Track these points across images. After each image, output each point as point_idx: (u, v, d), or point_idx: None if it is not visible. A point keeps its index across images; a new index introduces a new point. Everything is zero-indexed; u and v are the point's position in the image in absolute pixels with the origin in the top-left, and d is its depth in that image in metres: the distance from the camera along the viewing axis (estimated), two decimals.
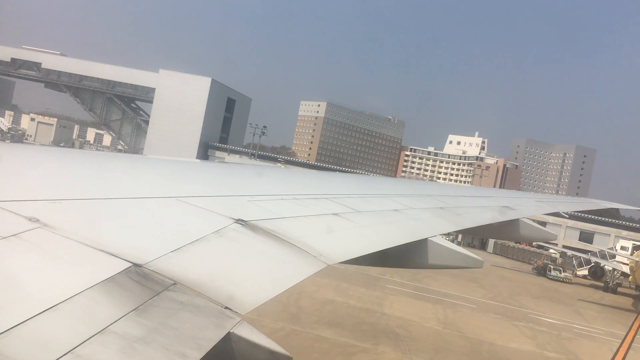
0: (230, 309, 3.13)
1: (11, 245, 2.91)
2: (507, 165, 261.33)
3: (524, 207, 13.09)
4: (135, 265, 3.14)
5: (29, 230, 3.10)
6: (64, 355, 2.25)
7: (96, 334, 2.45)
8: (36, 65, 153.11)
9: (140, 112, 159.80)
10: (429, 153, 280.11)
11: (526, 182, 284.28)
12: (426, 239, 6.80)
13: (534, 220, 11.93)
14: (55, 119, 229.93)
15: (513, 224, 11.04)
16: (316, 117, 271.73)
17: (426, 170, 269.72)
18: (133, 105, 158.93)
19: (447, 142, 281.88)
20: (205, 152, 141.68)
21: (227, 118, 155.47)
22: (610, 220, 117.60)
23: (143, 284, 3.00)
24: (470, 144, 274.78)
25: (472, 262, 7.65)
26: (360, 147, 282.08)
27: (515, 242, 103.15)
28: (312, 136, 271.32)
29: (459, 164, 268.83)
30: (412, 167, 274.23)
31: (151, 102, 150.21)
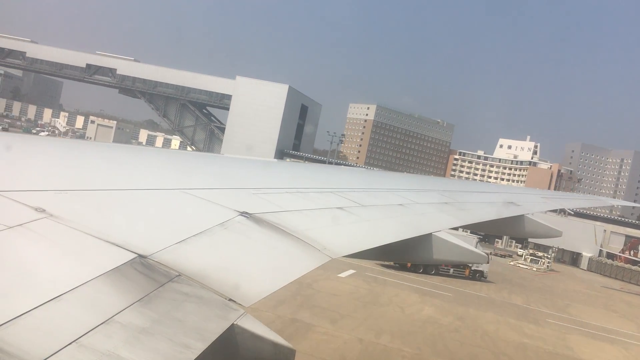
0: (235, 301, 3.14)
1: (17, 235, 2.92)
2: (562, 171, 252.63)
3: (529, 203, 13.06)
4: (140, 256, 3.15)
5: (35, 220, 3.11)
6: (69, 344, 2.26)
7: (101, 324, 2.47)
8: (111, 71, 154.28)
9: (212, 118, 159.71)
10: (478, 157, 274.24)
11: (581, 188, 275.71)
12: (430, 233, 6.81)
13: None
14: (115, 122, 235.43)
15: (519, 220, 11.03)
16: (365, 120, 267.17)
17: (475, 174, 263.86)
18: (204, 111, 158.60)
19: (498, 146, 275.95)
20: (280, 159, 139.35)
21: (300, 125, 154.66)
22: None
23: (148, 275, 3.01)
24: (522, 148, 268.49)
25: (476, 257, 7.66)
26: (408, 150, 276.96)
27: (609, 259, 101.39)
28: (361, 139, 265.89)
29: (510, 169, 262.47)
30: (461, 171, 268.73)
31: (225, 108, 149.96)
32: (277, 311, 27.68)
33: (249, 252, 4.15)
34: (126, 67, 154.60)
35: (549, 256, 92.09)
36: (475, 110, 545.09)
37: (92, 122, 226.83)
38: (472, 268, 55.29)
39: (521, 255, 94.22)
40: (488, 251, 63.54)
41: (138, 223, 3.86)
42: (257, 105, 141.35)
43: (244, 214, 4.57)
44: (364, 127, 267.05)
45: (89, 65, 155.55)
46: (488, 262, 57.35)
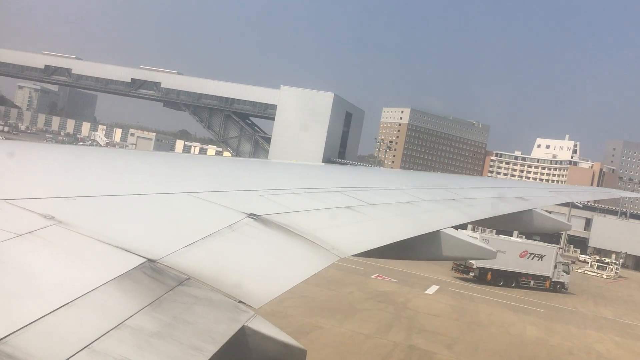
0: (244, 303, 3.15)
1: (27, 242, 2.94)
2: (604, 170, 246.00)
3: (537, 197, 13.01)
4: (150, 260, 3.17)
5: (44, 228, 3.13)
6: (81, 350, 2.27)
7: (112, 329, 2.48)
8: (155, 85, 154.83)
9: (256, 128, 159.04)
10: (515, 158, 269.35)
11: (624, 186, 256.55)
12: (439, 230, 6.79)
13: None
14: (154, 134, 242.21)
15: (527, 214, 10.99)
16: (399, 124, 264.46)
17: (513, 175, 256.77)
18: (248, 121, 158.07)
19: (535, 146, 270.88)
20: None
21: (344, 132, 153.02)
22: None
23: (157, 279, 3.03)
24: (561, 148, 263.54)
25: (484, 253, 7.64)
26: (444, 152, 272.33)
27: None
28: (396, 143, 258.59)
29: (549, 169, 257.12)
30: (498, 173, 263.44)
31: (269, 118, 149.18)
32: (390, 336, 27.66)
33: (258, 253, 4.16)
34: (170, 80, 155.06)
35: (617, 262, 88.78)
36: (511, 111, 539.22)
37: (132, 134, 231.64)
38: (553, 280, 54.13)
39: (584, 261, 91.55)
40: (567, 261, 61.27)
41: (146, 227, 3.88)
42: (303, 114, 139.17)
43: (251, 215, 4.58)
44: (399, 130, 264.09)
45: (133, 80, 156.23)
46: (569, 273, 55.85)
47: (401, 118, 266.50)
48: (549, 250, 55.31)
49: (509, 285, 51.58)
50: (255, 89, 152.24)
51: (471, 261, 47.84)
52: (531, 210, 11.11)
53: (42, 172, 4.70)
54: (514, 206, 10.81)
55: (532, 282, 53.17)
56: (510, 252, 51.30)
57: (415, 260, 7.58)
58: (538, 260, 53.45)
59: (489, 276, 50.83)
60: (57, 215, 3.32)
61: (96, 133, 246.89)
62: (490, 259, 7.74)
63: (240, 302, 3.14)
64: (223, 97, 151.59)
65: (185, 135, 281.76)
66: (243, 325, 2.91)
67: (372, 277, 44.32)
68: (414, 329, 30.34)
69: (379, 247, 5.41)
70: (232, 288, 3.25)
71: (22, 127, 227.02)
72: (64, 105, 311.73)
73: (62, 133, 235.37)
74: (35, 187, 4.02)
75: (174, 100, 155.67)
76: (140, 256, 3.17)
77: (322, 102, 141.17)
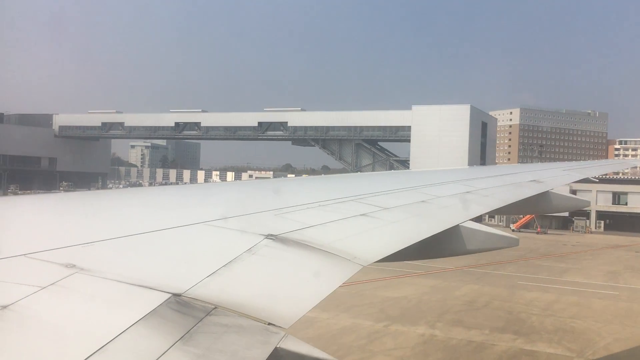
0: (274, 325, 3.14)
1: (51, 294, 2.96)
2: None
3: (552, 177, 12.93)
4: (175, 295, 3.17)
5: (66, 277, 3.15)
6: None
7: None
8: (282, 125, 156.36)
9: (386, 152, 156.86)
10: None
11: None
12: (458, 225, 6.76)
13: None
14: (271, 172, 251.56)
15: (543, 196, 10.92)
16: (510, 126, 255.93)
17: None
18: (377, 146, 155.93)
19: None
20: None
21: (482, 143, 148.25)
22: None
23: (185, 312, 3.03)
24: None
25: (508, 241, 7.57)
26: (561, 148, 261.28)
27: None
28: (509, 146, 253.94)
29: None
30: None
31: (400, 140, 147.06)
32: None
33: (280, 273, 4.15)
34: (296, 117, 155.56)
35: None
36: (629, 94, 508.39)
37: (251, 175, 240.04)
38: None
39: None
40: None
41: (167, 263, 3.89)
42: (439, 131, 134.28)
43: (269, 236, 4.58)
44: (510, 132, 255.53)
45: (260, 123, 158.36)
46: None
47: (511, 120, 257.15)
48: None
49: None
50: (384, 113, 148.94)
51: None
52: (547, 192, 11.04)
53: (58, 221, 4.73)
54: (529, 190, 10.74)
55: None
56: None
57: (439, 258, 7.53)
58: None
59: None
60: (78, 263, 3.34)
61: (211, 179, 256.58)
62: (514, 246, 7.66)
63: (269, 324, 3.14)
64: (351, 126, 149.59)
65: (288, 168, 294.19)
66: (276, 347, 2.90)
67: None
68: None
69: (401, 250, 5.38)
70: (259, 311, 3.25)
71: (145, 184, 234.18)
72: (173, 157, 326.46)
73: (179, 183, 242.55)
74: (53, 237, 4.04)
75: (302, 137, 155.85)
76: (165, 292, 3.18)
77: (458, 116, 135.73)
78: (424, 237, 5.96)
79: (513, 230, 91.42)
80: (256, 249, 4.26)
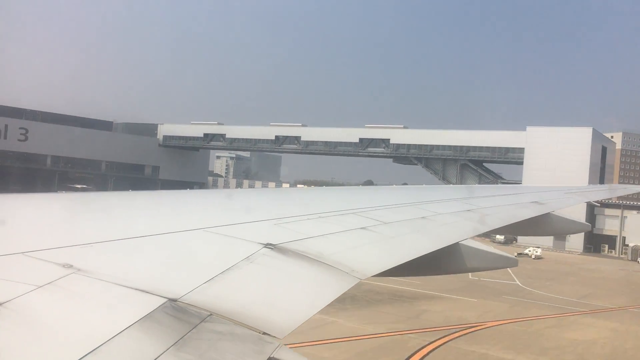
0: (269, 334, 3.13)
1: (48, 293, 2.95)
2: None
3: (553, 200, 12.90)
4: (171, 300, 3.17)
5: (63, 277, 3.15)
6: None
7: None
8: (384, 142, 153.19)
9: (492, 174, 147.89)
10: None
11: None
12: (457, 243, 6.74)
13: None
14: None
15: (544, 218, 10.90)
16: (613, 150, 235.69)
17: None
18: (483, 167, 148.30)
19: None
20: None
21: (601, 169, 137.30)
22: None
23: (180, 318, 3.02)
24: None
25: (506, 261, 7.56)
26: None
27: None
28: (610, 172, 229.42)
29: None
30: None
31: (509, 162, 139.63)
32: None
33: (277, 283, 4.14)
34: (398, 135, 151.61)
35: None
36: None
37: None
38: None
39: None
40: None
41: (165, 267, 3.89)
42: (557, 155, 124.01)
43: (268, 245, 4.58)
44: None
45: (361, 140, 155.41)
46: None
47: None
48: None
49: None
50: (494, 134, 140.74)
51: None
52: (548, 214, 11.02)
53: (57, 221, 4.74)
54: (530, 211, 10.72)
55: None
56: None
57: (437, 274, 7.52)
58: None
59: None
60: (75, 264, 3.34)
61: None
62: (512, 266, 7.65)
63: (264, 333, 3.13)
64: (457, 145, 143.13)
65: (370, 184, 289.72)
66: (269, 357, 2.90)
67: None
68: None
69: (399, 266, 5.37)
70: (255, 320, 3.24)
71: None
72: (257, 170, 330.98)
73: None
74: (52, 237, 4.05)
75: (404, 155, 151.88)
76: (161, 296, 3.17)
77: (578, 139, 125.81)
78: (423, 254, 5.94)
79: None
80: (254, 257, 4.25)
